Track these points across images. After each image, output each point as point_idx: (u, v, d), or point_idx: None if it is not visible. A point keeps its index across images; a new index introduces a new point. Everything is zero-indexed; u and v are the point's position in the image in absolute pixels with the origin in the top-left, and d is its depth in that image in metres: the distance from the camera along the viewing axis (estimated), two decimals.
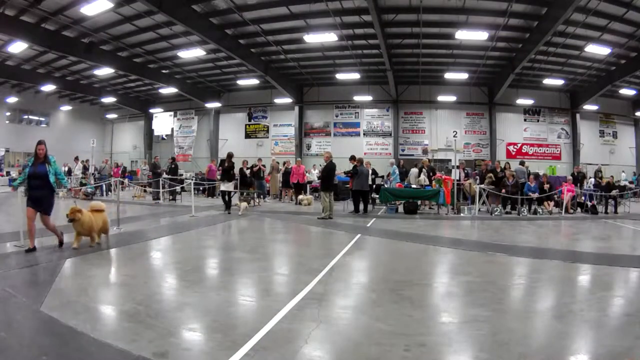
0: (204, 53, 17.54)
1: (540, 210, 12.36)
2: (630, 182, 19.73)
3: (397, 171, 14.34)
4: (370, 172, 12.71)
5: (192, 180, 15.19)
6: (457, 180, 12.79)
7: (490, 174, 12.64)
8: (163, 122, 26.41)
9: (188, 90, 23.17)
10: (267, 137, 24.75)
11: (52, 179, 5.68)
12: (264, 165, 16.04)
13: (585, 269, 5.42)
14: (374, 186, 13.38)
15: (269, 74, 19.71)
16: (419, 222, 10.18)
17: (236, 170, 12.77)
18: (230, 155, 11.82)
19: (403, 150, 22.53)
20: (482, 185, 12.24)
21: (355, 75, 20.31)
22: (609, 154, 22.77)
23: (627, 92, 20.70)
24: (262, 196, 15.31)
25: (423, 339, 2.96)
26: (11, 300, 3.61)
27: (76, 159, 18.42)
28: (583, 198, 13.49)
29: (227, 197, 11.41)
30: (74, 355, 2.59)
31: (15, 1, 13.22)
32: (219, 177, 14.79)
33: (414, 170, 13.71)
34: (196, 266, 5.29)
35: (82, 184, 16.76)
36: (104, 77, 21.95)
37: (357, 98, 22.47)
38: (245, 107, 25.07)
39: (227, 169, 11.54)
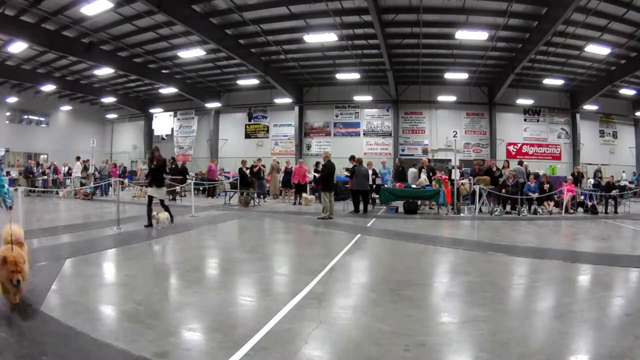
0: (204, 53, 17.54)
1: (540, 210, 12.36)
2: (630, 182, 19.73)
3: (390, 170, 14.42)
4: (371, 172, 12.73)
5: (192, 180, 15.20)
6: (453, 180, 12.79)
7: (486, 177, 12.55)
8: (163, 122, 26.42)
9: (188, 90, 23.17)
10: (267, 137, 24.76)
11: None
12: (263, 166, 16.04)
13: (585, 269, 5.42)
14: (374, 186, 13.39)
15: (269, 74, 19.71)
16: (419, 222, 10.17)
17: (235, 171, 12.54)
18: (154, 151, 8.73)
19: (403, 150, 22.53)
20: (480, 185, 12.23)
21: (355, 75, 20.32)
22: (609, 154, 22.78)
23: (627, 92, 20.71)
24: (262, 196, 15.31)
25: (423, 339, 2.96)
26: None
27: (77, 158, 18.42)
28: (582, 197, 13.49)
29: (151, 206, 8.34)
30: (74, 355, 2.59)
31: (15, 1, 13.22)
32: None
33: (412, 170, 13.69)
34: (196, 266, 5.29)
35: (82, 185, 16.79)
36: (104, 77, 21.96)
37: (357, 98, 22.48)
38: (245, 107, 25.08)
39: (155, 168, 8.46)
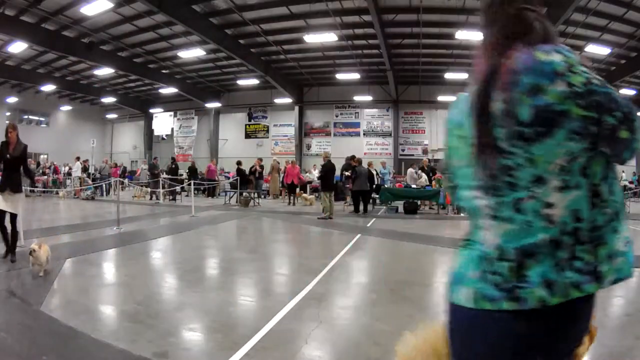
0: (204, 53, 17.53)
1: None
2: (630, 182, 19.72)
3: (391, 171, 14.53)
4: (375, 172, 12.74)
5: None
6: None
7: None
8: (163, 122, 26.42)
9: (188, 90, 23.17)
10: (267, 137, 24.74)
11: None
12: (261, 166, 16.03)
13: None
14: (374, 186, 13.38)
15: (269, 74, 19.70)
16: (419, 222, 10.18)
17: (235, 171, 12.53)
18: (10, 129, 5.00)
19: (403, 150, 22.52)
20: None
21: (355, 75, 20.30)
22: None
23: (627, 92, 20.62)
24: (261, 196, 15.32)
25: None
26: (11, 300, 3.60)
27: (77, 159, 18.40)
28: None
29: (3, 223, 5.00)
30: (74, 355, 2.59)
31: (15, 1, 13.22)
32: None
33: (410, 171, 13.71)
34: (196, 266, 5.29)
35: (82, 185, 16.78)
36: (104, 77, 21.94)
37: (357, 98, 22.46)
38: (245, 107, 25.06)
39: (12, 159, 5.01)
